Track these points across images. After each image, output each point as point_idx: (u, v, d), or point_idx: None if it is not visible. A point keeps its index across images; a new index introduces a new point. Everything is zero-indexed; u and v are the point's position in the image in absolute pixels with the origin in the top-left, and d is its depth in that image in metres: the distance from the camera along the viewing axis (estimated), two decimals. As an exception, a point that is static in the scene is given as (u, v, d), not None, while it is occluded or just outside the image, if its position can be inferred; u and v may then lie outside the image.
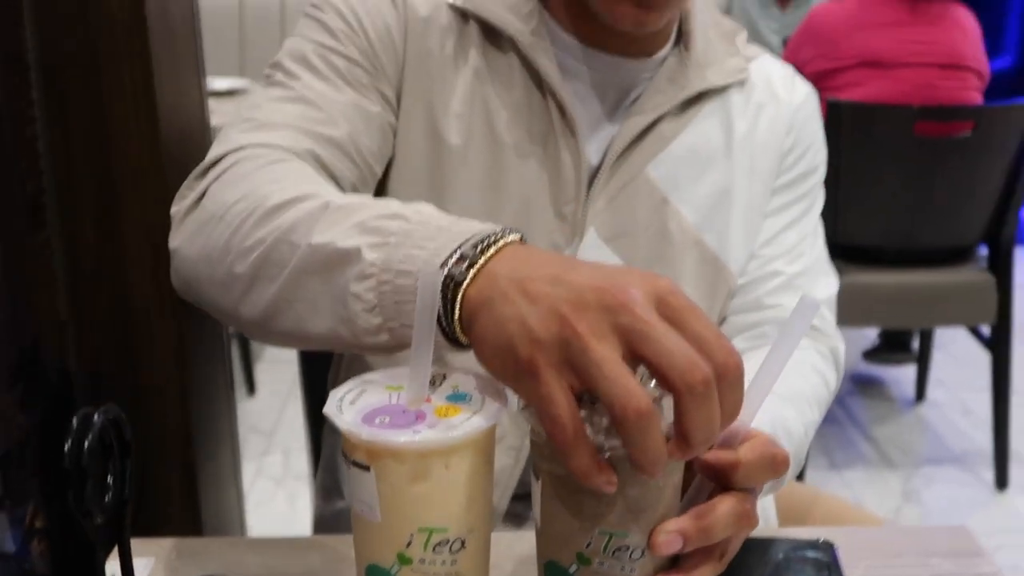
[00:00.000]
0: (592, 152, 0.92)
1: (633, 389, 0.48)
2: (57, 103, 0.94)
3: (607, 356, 0.49)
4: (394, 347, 0.63)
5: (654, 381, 0.55)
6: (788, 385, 0.86)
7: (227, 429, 1.17)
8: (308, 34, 0.89)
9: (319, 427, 1.21)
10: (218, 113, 1.30)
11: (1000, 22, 5.24)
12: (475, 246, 0.58)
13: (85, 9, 0.92)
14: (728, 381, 0.51)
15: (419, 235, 0.60)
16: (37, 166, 0.94)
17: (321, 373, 1.07)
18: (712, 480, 0.60)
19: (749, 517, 0.59)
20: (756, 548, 0.75)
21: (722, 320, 0.97)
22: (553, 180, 0.90)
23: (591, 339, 0.50)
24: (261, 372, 2.94)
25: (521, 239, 0.60)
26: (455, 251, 0.58)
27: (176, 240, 0.76)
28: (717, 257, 0.94)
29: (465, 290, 0.57)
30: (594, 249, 0.90)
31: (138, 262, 0.99)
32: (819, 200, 1.02)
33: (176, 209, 0.78)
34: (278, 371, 2.92)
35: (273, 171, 0.75)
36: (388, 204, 0.65)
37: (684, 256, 0.93)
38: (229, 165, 0.77)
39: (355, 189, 0.84)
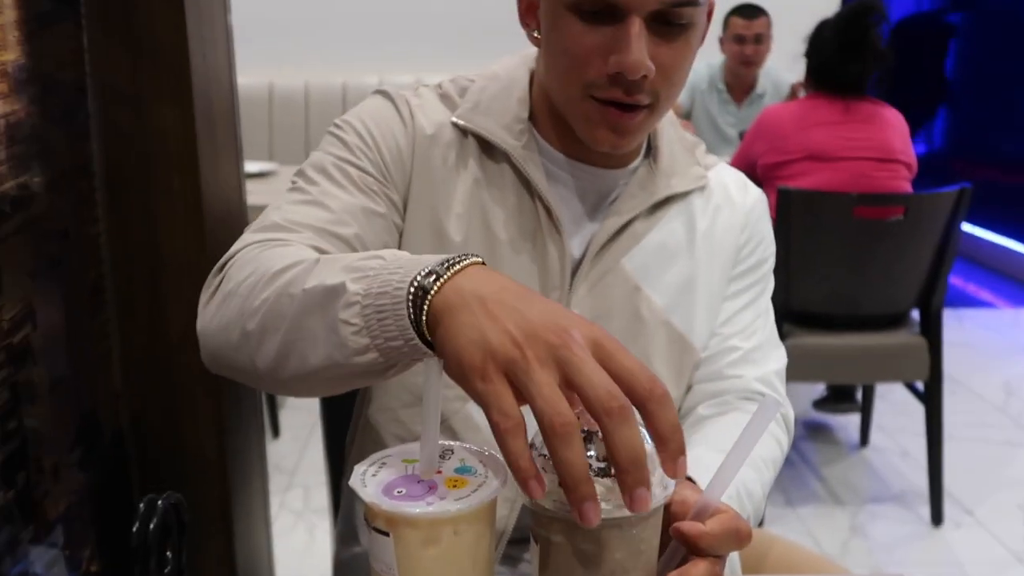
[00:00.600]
0: (575, 246, 0.93)
1: (561, 408, 0.52)
2: (116, 204, 0.96)
3: (545, 380, 0.53)
4: (383, 366, 0.63)
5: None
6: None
7: (259, 487, 1.17)
8: (329, 149, 0.91)
9: (336, 466, 1.20)
10: (251, 194, 1.28)
11: (925, 118, 5.32)
12: (443, 264, 0.60)
13: (142, 124, 0.94)
14: (655, 402, 0.54)
15: (394, 266, 0.62)
16: (98, 258, 0.95)
17: (339, 418, 1.06)
18: (684, 547, 0.61)
19: None
20: None
21: (688, 388, 0.98)
22: (541, 270, 0.91)
23: (535, 363, 0.54)
24: (285, 417, 2.93)
25: (483, 263, 0.62)
26: (425, 269, 0.60)
27: (201, 323, 0.77)
28: (683, 336, 0.95)
29: (432, 297, 0.59)
30: None
31: (182, 340, 1.00)
32: (769, 285, 1.03)
33: (201, 300, 0.79)
34: (300, 416, 2.91)
35: (279, 251, 0.76)
36: (369, 252, 0.68)
37: (655, 335, 0.93)
38: (243, 254, 0.78)
39: None
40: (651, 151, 0.96)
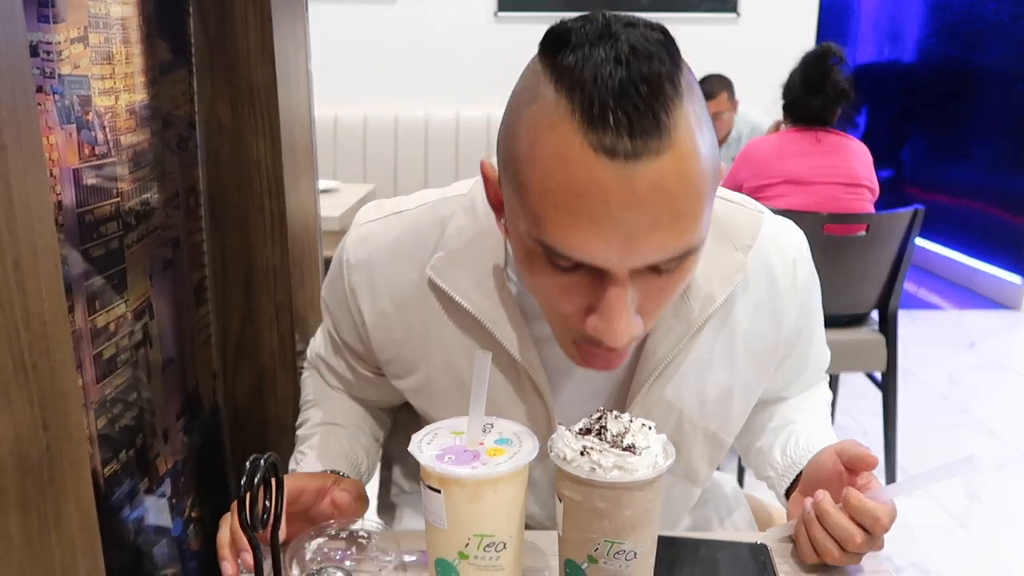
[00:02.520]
0: (589, 389, 0.77)
1: None
2: (217, 218, 0.98)
3: None
4: None
5: (582, 437, 0.59)
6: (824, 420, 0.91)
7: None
8: (325, 318, 0.88)
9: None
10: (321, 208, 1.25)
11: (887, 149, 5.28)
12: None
13: (239, 154, 0.96)
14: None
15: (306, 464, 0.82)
16: (201, 262, 0.98)
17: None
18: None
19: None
20: (696, 547, 0.74)
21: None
22: (528, 412, 0.77)
23: None
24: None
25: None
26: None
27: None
28: (717, 434, 0.81)
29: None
30: None
31: (267, 331, 1.02)
32: (820, 313, 0.87)
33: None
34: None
35: (311, 398, 0.93)
36: (299, 446, 0.88)
37: (693, 445, 0.80)
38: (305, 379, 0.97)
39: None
40: None
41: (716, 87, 3.14)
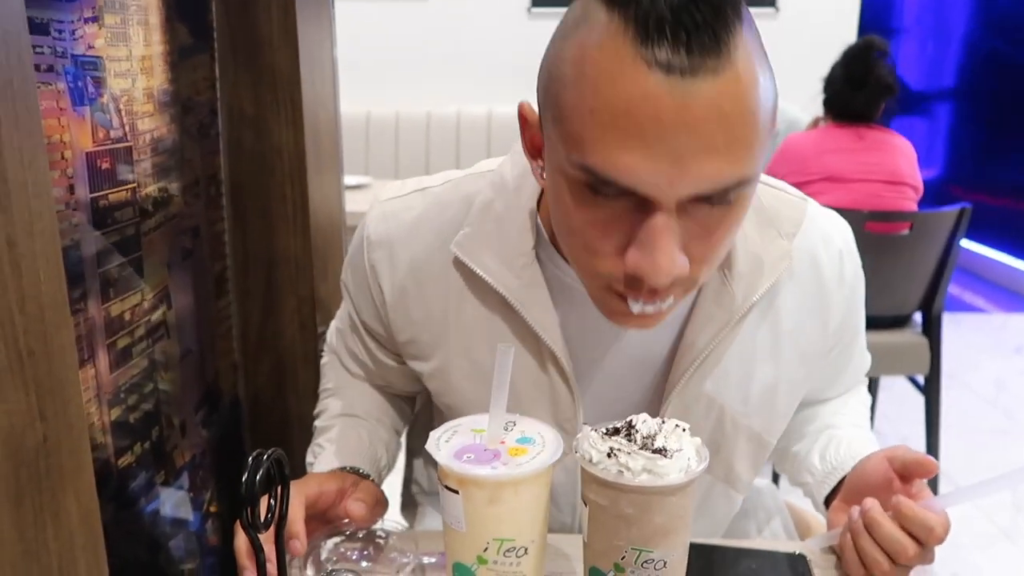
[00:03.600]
0: (627, 374, 0.73)
1: None
2: (238, 207, 0.96)
3: None
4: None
5: (609, 438, 0.56)
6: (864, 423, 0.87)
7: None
8: (344, 300, 0.86)
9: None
10: (350, 202, 1.22)
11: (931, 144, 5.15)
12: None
13: (261, 141, 0.94)
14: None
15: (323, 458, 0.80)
16: (223, 252, 0.96)
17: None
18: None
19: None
20: (729, 557, 0.71)
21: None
22: (552, 406, 0.73)
23: None
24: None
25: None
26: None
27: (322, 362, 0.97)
28: (760, 435, 0.77)
29: None
30: None
31: (289, 323, 1.00)
32: (863, 312, 0.83)
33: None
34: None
35: (330, 386, 0.91)
36: (317, 438, 0.86)
37: (735, 445, 0.77)
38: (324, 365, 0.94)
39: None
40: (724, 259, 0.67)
41: None
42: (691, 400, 0.73)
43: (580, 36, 0.52)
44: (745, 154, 0.51)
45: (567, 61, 0.53)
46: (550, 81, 0.55)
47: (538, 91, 0.59)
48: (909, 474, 0.69)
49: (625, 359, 0.73)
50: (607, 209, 0.54)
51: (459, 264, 0.71)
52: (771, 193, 0.73)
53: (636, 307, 0.58)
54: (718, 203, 0.53)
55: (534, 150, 0.63)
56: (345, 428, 0.85)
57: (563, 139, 0.54)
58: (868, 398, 0.92)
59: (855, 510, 0.68)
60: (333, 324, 0.94)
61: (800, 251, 0.72)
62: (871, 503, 0.66)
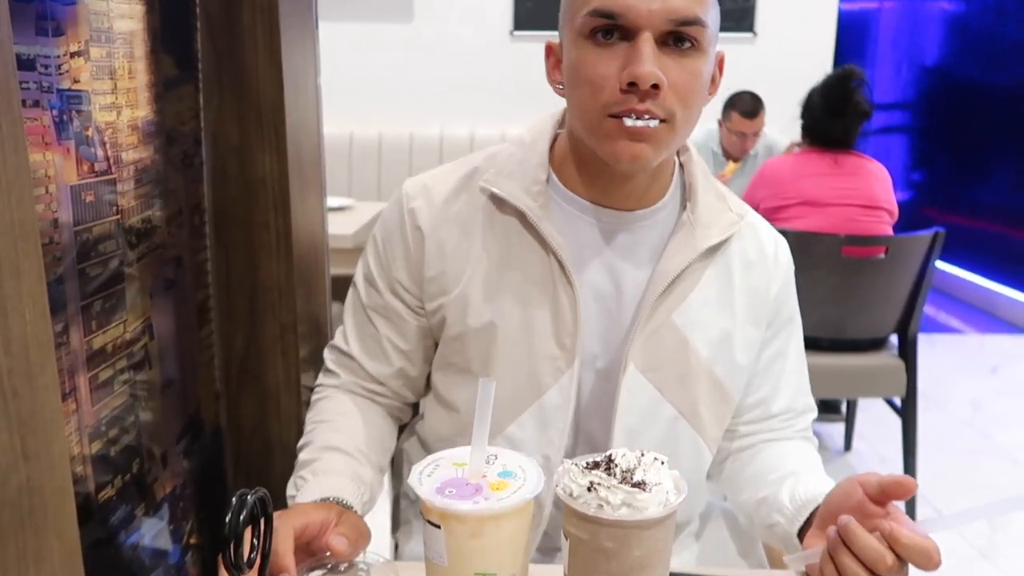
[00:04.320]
0: (629, 291, 0.87)
1: None
2: (221, 236, 0.96)
3: None
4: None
5: (589, 471, 0.57)
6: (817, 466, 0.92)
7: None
8: (365, 262, 0.96)
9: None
10: (332, 225, 1.23)
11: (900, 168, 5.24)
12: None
13: (245, 170, 0.95)
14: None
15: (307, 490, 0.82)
16: (205, 281, 0.96)
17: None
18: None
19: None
20: None
21: (726, 430, 0.94)
22: (555, 317, 0.85)
23: None
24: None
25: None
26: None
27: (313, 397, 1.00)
28: (722, 383, 0.89)
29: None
30: (634, 378, 0.86)
31: (272, 352, 1.00)
32: (798, 340, 0.97)
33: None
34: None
35: (317, 416, 0.94)
36: (300, 470, 0.87)
37: (699, 383, 0.88)
38: (325, 388, 0.98)
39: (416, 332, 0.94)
40: (686, 200, 0.88)
41: (759, 105, 3.12)
42: (661, 325, 0.86)
43: None
44: (698, 2, 0.75)
45: None
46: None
47: (560, 18, 0.83)
48: (888, 495, 0.71)
49: (612, 280, 0.87)
50: (608, 51, 0.76)
51: (486, 194, 0.88)
52: (726, 192, 0.92)
53: (629, 121, 0.75)
54: (680, 46, 0.75)
55: (555, 70, 0.85)
56: (330, 461, 0.86)
57: (576, 5, 0.78)
58: (819, 457, 0.95)
59: (832, 528, 0.70)
60: (335, 337, 0.99)
61: (747, 228, 0.91)
62: (847, 518, 0.68)
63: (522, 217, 0.85)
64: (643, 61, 0.73)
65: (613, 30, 0.75)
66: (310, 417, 0.95)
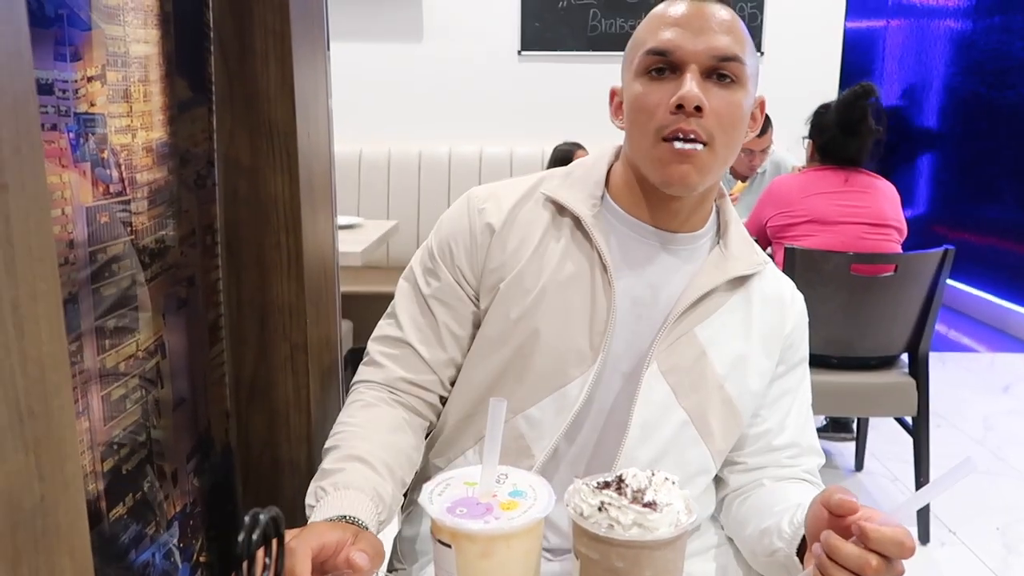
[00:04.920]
0: (657, 309, 0.95)
1: None
2: (233, 256, 0.97)
3: None
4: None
5: (600, 491, 0.57)
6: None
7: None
8: (428, 246, 1.03)
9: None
10: (341, 243, 1.28)
11: (913, 184, 5.23)
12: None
13: (257, 191, 0.96)
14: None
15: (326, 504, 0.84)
16: (217, 300, 0.97)
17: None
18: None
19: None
20: None
21: (732, 448, 0.99)
22: (591, 316, 0.93)
23: None
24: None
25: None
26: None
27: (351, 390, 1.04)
28: (732, 400, 0.95)
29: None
30: (654, 376, 0.93)
31: (282, 371, 1.00)
32: (807, 383, 1.04)
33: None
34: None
35: (349, 420, 0.97)
36: (322, 480, 0.89)
37: (712, 395, 0.94)
38: (347, 402, 1.02)
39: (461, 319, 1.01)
40: (720, 235, 0.99)
41: (767, 123, 3.14)
42: (684, 334, 0.93)
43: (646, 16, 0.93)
44: (736, 40, 0.87)
45: (640, 25, 0.93)
46: (630, 42, 0.93)
47: (622, 67, 0.95)
48: (839, 514, 0.73)
49: (650, 291, 0.96)
50: (660, 84, 0.88)
51: (548, 201, 0.98)
52: (751, 240, 1.01)
53: (678, 144, 0.86)
54: (723, 76, 0.87)
55: (617, 110, 0.97)
56: (352, 474, 0.87)
57: (635, 50, 0.91)
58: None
59: (816, 546, 0.71)
60: (386, 330, 1.04)
61: (769, 270, 1.00)
62: (826, 533, 0.71)
63: (577, 222, 0.95)
64: (688, 87, 0.85)
65: (664, 68, 0.88)
66: (343, 416, 0.98)
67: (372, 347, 1.04)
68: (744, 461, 0.99)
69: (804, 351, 1.03)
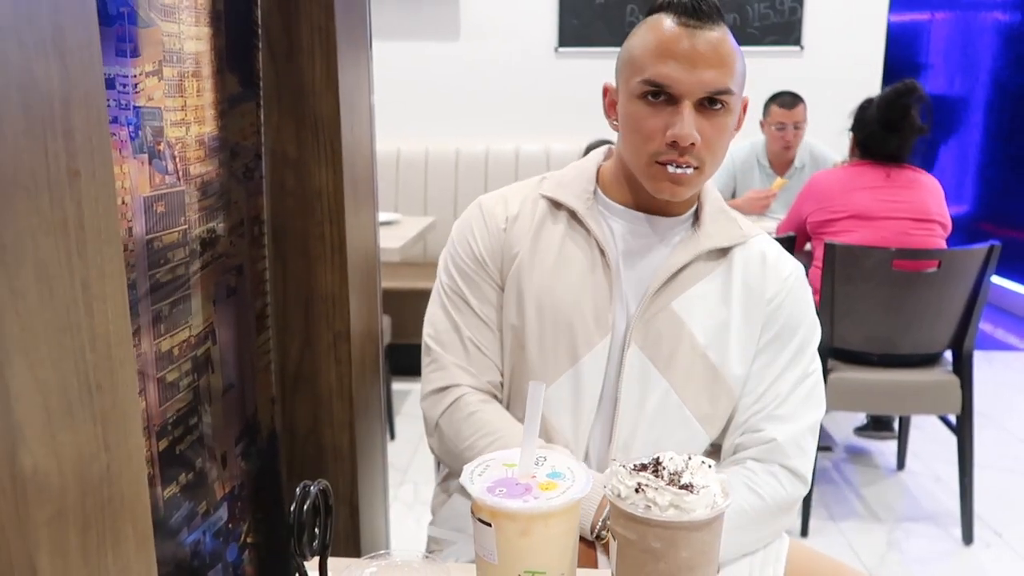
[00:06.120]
0: (634, 282, 1.01)
1: None
2: (279, 246, 1.00)
3: None
4: None
5: (637, 473, 0.58)
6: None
7: (380, 480, 1.19)
8: (451, 255, 1.06)
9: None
10: (382, 239, 1.33)
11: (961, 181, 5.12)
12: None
13: (302, 183, 0.99)
14: None
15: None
16: (263, 290, 1.00)
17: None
18: None
19: None
20: None
21: (725, 418, 1.01)
22: (595, 297, 1.00)
23: None
24: (400, 423, 2.97)
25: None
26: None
27: (430, 440, 1.06)
28: (716, 367, 0.99)
29: None
30: (634, 354, 0.98)
31: (326, 359, 1.03)
32: (805, 358, 1.01)
33: (426, 415, 1.05)
34: (412, 423, 2.95)
35: (471, 425, 1.00)
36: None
37: (693, 364, 0.99)
38: (450, 408, 1.02)
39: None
40: (696, 218, 1.03)
41: (797, 98, 3.11)
42: (661, 310, 0.99)
43: (641, 28, 0.96)
44: (728, 72, 0.92)
45: (636, 35, 0.96)
46: (625, 51, 0.97)
47: (616, 67, 0.99)
48: None
49: (636, 271, 1.01)
50: (656, 110, 0.93)
51: (546, 200, 1.04)
52: (739, 216, 1.05)
53: (671, 168, 0.93)
54: (713, 107, 0.92)
55: (611, 109, 1.02)
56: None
57: (633, 71, 0.95)
58: (777, 487, 0.97)
59: None
60: (428, 346, 1.06)
61: (755, 241, 1.04)
62: None
63: (573, 215, 1.02)
64: (684, 125, 0.91)
65: (661, 95, 0.93)
66: (471, 433, 1.00)
67: (430, 371, 1.06)
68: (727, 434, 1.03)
69: (799, 316, 1.01)
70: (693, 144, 0.92)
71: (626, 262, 1.01)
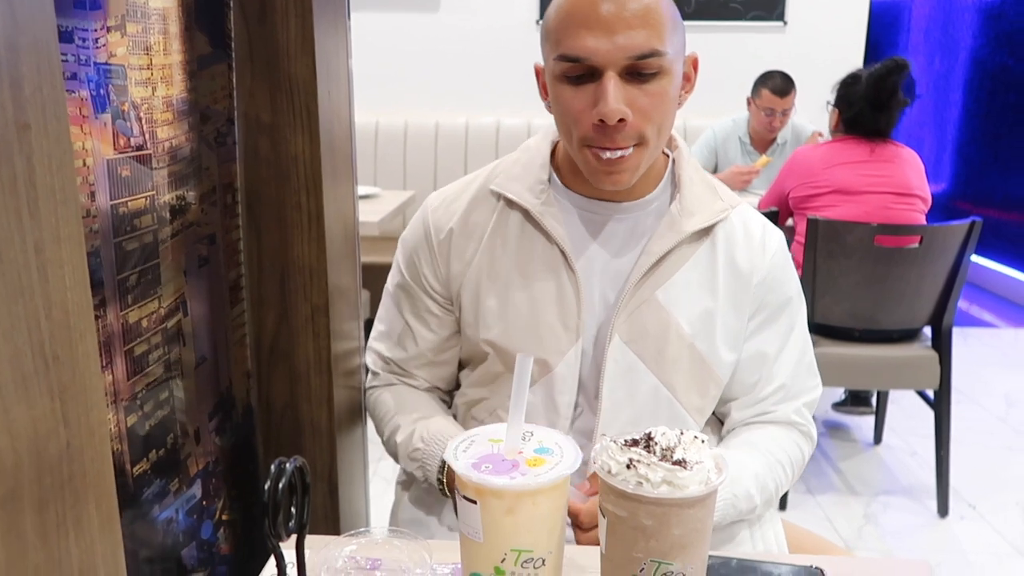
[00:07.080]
0: (608, 277, 0.94)
1: None
2: (253, 215, 0.96)
3: None
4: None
5: (628, 449, 0.56)
6: (776, 449, 0.96)
7: (359, 455, 1.16)
8: (395, 271, 1.05)
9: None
10: (360, 213, 1.29)
11: (939, 158, 5.15)
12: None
13: (277, 150, 0.95)
14: None
15: (427, 457, 0.95)
16: (237, 260, 0.96)
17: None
18: None
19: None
20: (747, 570, 0.71)
21: (713, 403, 0.98)
22: (559, 302, 0.92)
23: None
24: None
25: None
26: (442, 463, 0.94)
27: (367, 400, 1.10)
28: (704, 357, 0.94)
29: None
30: (619, 349, 0.92)
31: (303, 332, 1.00)
32: (797, 321, 0.99)
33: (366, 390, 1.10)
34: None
35: (387, 402, 1.04)
36: (413, 440, 0.98)
37: (680, 355, 0.93)
38: (375, 388, 1.07)
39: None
40: (675, 193, 0.94)
41: (790, 85, 3.07)
42: (644, 302, 0.92)
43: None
44: (655, 32, 0.80)
45: (551, 7, 0.85)
46: (544, 22, 0.86)
47: (540, 40, 0.88)
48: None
49: (606, 264, 0.94)
50: (580, 89, 0.83)
51: (496, 197, 0.96)
52: (717, 184, 0.98)
53: (605, 155, 0.84)
54: (644, 73, 0.81)
55: (543, 91, 0.91)
56: (427, 424, 0.98)
57: (550, 48, 0.85)
58: (808, 447, 1.01)
59: None
60: (373, 341, 1.08)
61: (736, 214, 0.96)
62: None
63: (527, 214, 0.93)
64: (608, 100, 0.80)
65: (582, 73, 0.82)
66: (381, 412, 1.04)
67: (368, 360, 1.10)
68: (730, 413, 0.99)
69: (788, 290, 0.97)
70: (623, 120, 0.81)
71: (597, 255, 0.93)
